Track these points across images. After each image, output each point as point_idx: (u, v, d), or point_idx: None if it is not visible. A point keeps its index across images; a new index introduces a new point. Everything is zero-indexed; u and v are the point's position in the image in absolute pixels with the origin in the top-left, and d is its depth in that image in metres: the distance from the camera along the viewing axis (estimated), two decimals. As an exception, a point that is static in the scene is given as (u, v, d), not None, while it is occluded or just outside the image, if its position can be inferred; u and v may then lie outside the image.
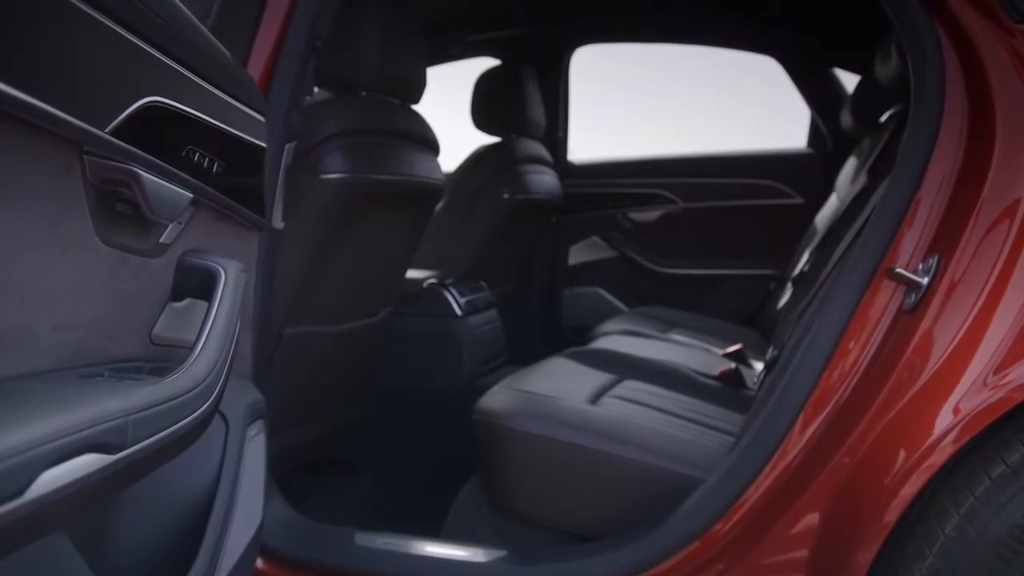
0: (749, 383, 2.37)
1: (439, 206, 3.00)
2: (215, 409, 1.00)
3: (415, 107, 2.25)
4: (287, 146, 1.69)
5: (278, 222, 1.71)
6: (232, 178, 1.24)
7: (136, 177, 0.92)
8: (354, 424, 2.51)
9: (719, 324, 3.29)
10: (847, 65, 3.41)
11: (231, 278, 1.11)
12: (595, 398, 1.95)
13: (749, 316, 3.49)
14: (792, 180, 3.49)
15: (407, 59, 2.13)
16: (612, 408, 1.88)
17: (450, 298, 2.73)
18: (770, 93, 3.64)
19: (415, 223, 2.32)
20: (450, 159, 3.19)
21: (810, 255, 2.62)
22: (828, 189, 3.24)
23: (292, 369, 2.06)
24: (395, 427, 2.64)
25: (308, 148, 1.91)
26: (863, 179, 2.25)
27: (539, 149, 3.34)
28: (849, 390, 1.35)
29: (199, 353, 0.99)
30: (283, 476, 2.17)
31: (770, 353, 1.66)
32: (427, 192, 2.26)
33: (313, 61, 1.73)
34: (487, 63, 3.33)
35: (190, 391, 0.92)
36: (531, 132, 3.26)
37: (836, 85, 3.46)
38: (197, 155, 1.09)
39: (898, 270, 1.32)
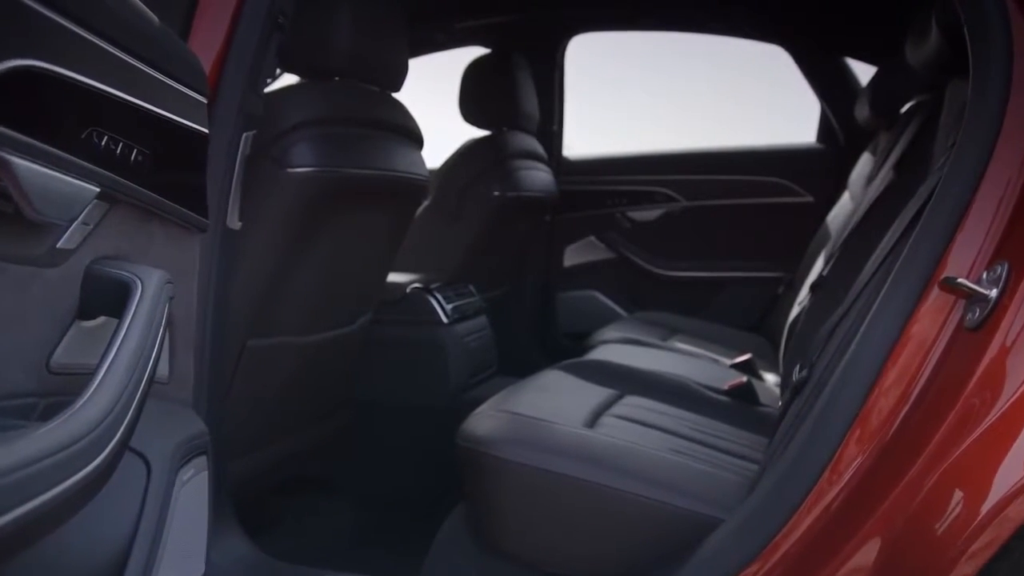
0: (762, 398, 2.18)
1: (424, 204, 2.87)
2: (117, 458, 0.79)
3: (396, 96, 2.06)
4: (245, 135, 1.50)
5: (234, 222, 1.51)
6: (160, 170, 1.02)
7: (4, 164, 0.70)
8: (330, 441, 2.35)
9: (724, 330, 3.15)
10: (860, 55, 3.26)
11: (150, 290, 0.90)
12: (594, 418, 1.76)
13: (756, 321, 3.33)
14: (801, 177, 3.34)
15: (386, 40, 1.94)
16: (613, 431, 1.68)
17: (435, 304, 2.56)
18: (778, 85, 3.51)
19: (396, 223, 2.15)
20: (440, 157, 3.06)
21: (827, 258, 2.42)
22: (840, 187, 3.10)
23: (259, 385, 1.89)
24: (375, 444, 2.48)
25: (272, 138, 1.73)
26: (889, 176, 2.05)
27: (532, 143, 3.18)
28: (898, 422, 1.15)
29: (95, 389, 0.77)
30: (253, 499, 2.02)
31: (796, 373, 1.46)
32: (409, 189, 2.08)
33: (276, 39, 1.54)
34: (477, 52, 3.13)
35: (76, 443, 0.71)
36: (524, 125, 3.11)
37: (848, 76, 3.31)
38: (105, 140, 0.87)
39: (959, 280, 1.12)
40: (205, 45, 1.42)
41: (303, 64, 1.87)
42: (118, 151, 0.90)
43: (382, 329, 2.37)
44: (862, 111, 2.81)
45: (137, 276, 0.91)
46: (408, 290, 2.57)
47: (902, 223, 1.34)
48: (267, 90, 1.78)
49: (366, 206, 1.97)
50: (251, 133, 1.51)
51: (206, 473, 1.16)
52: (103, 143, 0.86)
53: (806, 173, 3.34)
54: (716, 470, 1.56)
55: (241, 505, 1.79)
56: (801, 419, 1.31)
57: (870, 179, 2.56)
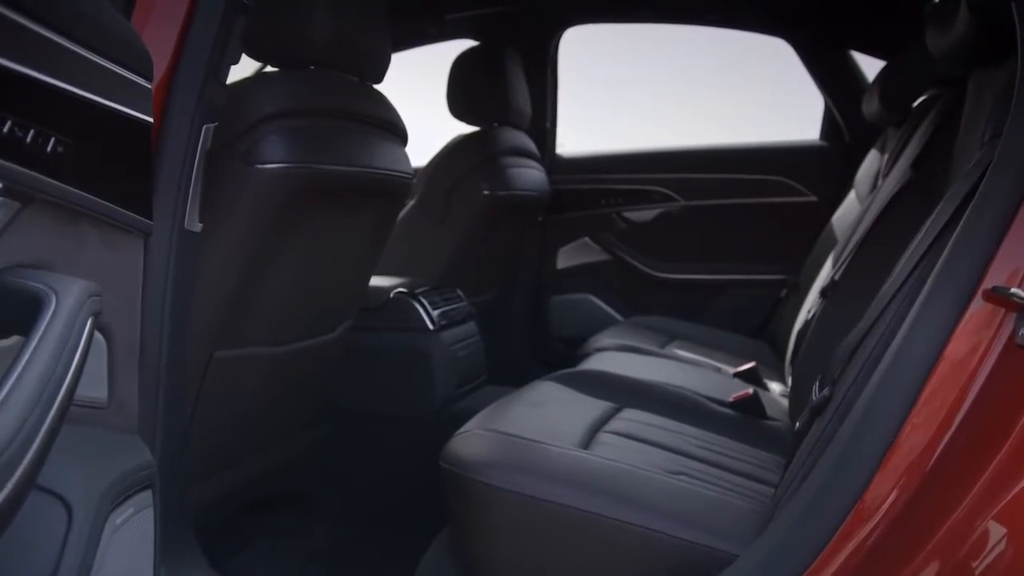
0: (769, 410, 2.05)
1: (409, 204, 2.80)
2: (15, 505, 0.65)
3: (378, 88, 1.92)
4: (206, 127, 1.36)
5: (194, 223, 1.37)
6: (88, 163, 0.88)
7: None
8: (308, 456, 2.23)
9: (724, 335, 3.04)
10: (866, 48, 3.15)
11: (66, 305, 0.76)
12: (590, 435, 1.64)
13: (757, 326, 3.23)
14: (804, 176, 3.25)
15: (367, 26, 1.81)
16: (612, 451, 1.55)
17: (420, 310, 2.43)
18: (780, 79, 3.44)
19: (378, 224, 2.02)
20: (427, 157, 2.96)
21: (836, 261, 2.29)
22: (845, 186, 3.02)
23: (228, 399, 1.76)
24: (356, 459, 2.35)
25: (239, 131, 1.59)
26: (906, 174, 1.92)
27: (524, 140, 3.08)
28: (939, 451, 1.01)
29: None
30: (222, 521, 1.92)
31: (816, 392, 1.32)
32: (391, 187, 1.95)
33: (241, 21, 1.40)
34: (466, 46, 3.02)
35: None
36: (515, 121, 3.01)
37: (853, 70, 3.21)
38: (8, 125, 0.73)
39: (1012, 290, 0.98)
40: (159, 27, 1.28)
41: (274, 51, 1.73)
42: (28, 140, 0.75)
43: (364, 337, 2.24)
44: (870, 106, 2.69)
45: (52, 288, 0.76)
46: (392, 295, 2.44)
47: (936, 225, 1.21)
48: (234, 80, 1.66)
49: (344, 206, 1.84)
50: (212, 125, 1.37)
51: (151, 510, 1.01)
52: (4, 129, 0.72)
53: (809, 171, 3.25)
54: (727, 496, 1.42)
55: (208, 528, 1.67)
56: (824, 444, 1.17)
57: (882, 177, 2.46)
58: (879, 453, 1.05)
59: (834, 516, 1.07)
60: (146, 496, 1.01)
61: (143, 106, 0.99)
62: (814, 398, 1.29)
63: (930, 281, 1.08)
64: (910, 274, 1.21)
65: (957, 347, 1.03)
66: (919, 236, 1.27)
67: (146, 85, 1.00)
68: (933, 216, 1.25)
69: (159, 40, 1.27)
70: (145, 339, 1.25)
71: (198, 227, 1.38)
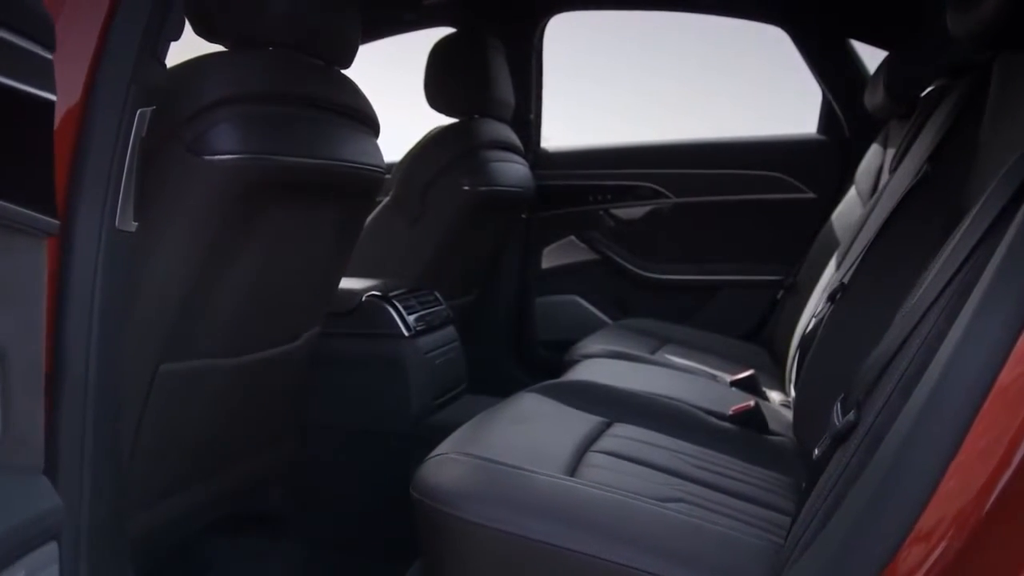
0: (770, 423, 1.91)
1: (384, 201, 2.70)
2: None
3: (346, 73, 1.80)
4: (140, 111, 1.21)
5: (127, 222, 1.21)
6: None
7: None
8: (273, 475, 2.10)
9: (718, 339, 2.92)
10: (868, 37, 3.04)
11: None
12: (579, 455, 1.49)
13: (753, 329, 3.13)
14: (802, 171, 3.15)
15: (333, 3, 1.68)
16: (604, 474, 1.41)
17: (394, 314, 2.29)
18: (777, 70, 3.35)
19: (347, 221, 1.89)
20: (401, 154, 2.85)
21: (841, 262, 2.15)
22: (845, 182, 2.93)
23: (178, 416, 1.62)
24: (326, 476, 2.22)
25: (186, 118, 1.45)
26: (922, 168, 1.78)
27: (506, 133, 2.96)
28: (997, 493, 0.85)
29: None
30: (181, 543, 1.84)
31: (838, 416, 1.17)
32: (360, 181, 1.82)
33: None
34: (446, 33, 2.92)
35: None
36: (497, 113, 2.90)
37: (854, 60, 3.10)
38: None
39: None
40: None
41: (227, 29, 1.59)
42: None
43: (333, 344, 2.12)
44: (874, 97, 2.56)
45: None
46: (363, 298, 2.31)
47: (978, 227, 1.05)
48: (184, 60, 1.51)
49: (308, 202, 1.71)
50: (149, 109, 1.21)
51: (55, 567, 0.84)
52: None
53: (807, 167, 3.16)
54: (733, 529, 1.27)
55: (160, 555, 1.55)
56: (850, 478, 1.02)
57: (887, 172, 2.33)
58: (923, 494, 0.89)
59: (868, 569, 0.91)
60: (48, 551, 0.84)
61: (41, 81, 0.82)
62: (837, 421, 1.14)
63: (979, 291, 0.93)
64: (948, 283, 1.05)
65: (1016, 369, 0.87)
66: (954, 239, 1.11)
67: (44, 55, 0.82)
68: (972, 215, 1.09)
69: (85, 7, 1.12)
70: (67, 357, 1.10)
71: (133, 226, 1.22)
